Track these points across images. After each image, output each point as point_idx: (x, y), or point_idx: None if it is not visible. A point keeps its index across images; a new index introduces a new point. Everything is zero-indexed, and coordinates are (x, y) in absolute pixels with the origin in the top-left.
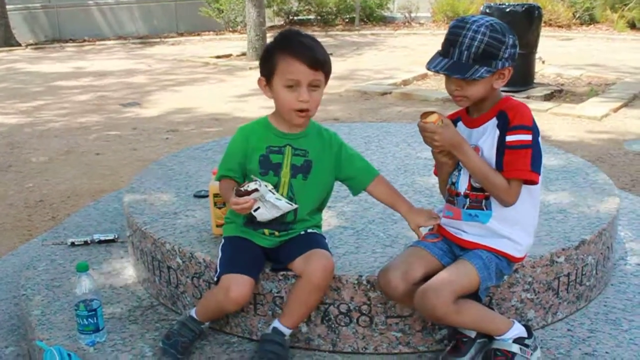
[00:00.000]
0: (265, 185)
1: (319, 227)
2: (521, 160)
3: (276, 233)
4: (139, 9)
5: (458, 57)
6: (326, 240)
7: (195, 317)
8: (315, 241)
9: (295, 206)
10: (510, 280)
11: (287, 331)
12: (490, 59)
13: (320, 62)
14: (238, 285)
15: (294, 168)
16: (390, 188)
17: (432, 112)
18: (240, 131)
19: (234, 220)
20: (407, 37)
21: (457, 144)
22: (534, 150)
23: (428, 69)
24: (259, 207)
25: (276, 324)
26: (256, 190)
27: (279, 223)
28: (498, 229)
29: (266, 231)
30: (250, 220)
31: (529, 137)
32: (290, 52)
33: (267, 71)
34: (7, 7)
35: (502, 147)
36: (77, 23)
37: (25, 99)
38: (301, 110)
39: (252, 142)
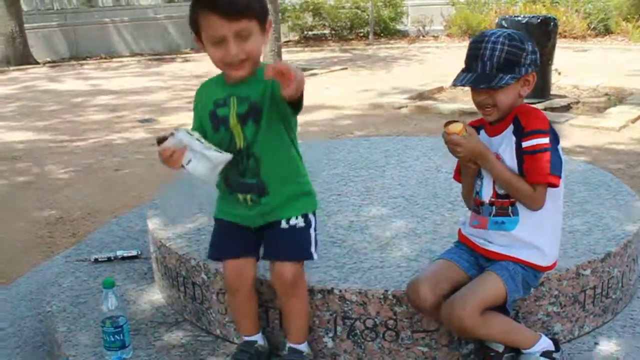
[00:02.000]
0: (190, 134)
1: (307, 195)
2: (540, 164)
3: (248, 198)
4: (155, 26)
5: (482, 69)
6: (312, 227)
7: (244, 338)
8: (288, 245)
9: (227, 155)
10: (536, 294)
11: (301, 347)
12: (513, 67)
13: (238, 10)
14: (232, 266)
15: (240, 117)
16: None
17: (456, 121)
18: (197, 91)
19: (219, 194)
20: (421, 51)
21: (480, 153)
22: (553, 153)
23: (454, 85)
24: (191, 160)
25: (289, 344)
26: (172, 135)
27: (246, 183)
28: (524, 235)
29: (239, 196)
30: (225, 182)
31: (545, 140)
32: (206, 4)
33: (195, 29)
34: (25, 25)
35: (520, 153)
36: (93, 41)
37: (43, 116)
38: (233, 64)
39: (202, 99)
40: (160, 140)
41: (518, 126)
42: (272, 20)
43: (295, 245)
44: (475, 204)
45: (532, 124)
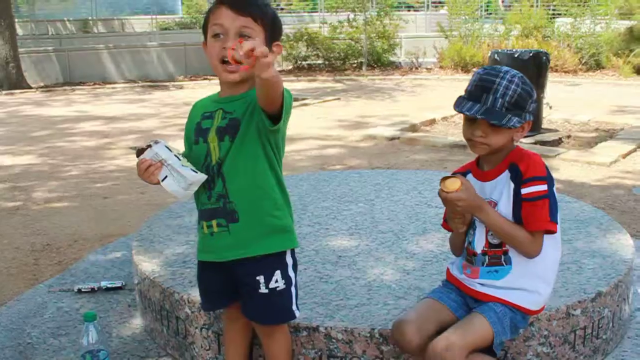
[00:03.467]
0: (169, 148)
1: (283, 232)
2: (540, 212)
3: (214, 225)
4: (148, 53)
5: (492, 103)
6: (292, 281)
7: None
8: (269, 311)
9: (202, 176)
10: (525, 334)
11: None
12: (520, 110)
13: (247, 5)
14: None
15: (219, 131)
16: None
17: (451, 177)
18: (192, 106)
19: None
20: (414, 82)
21: (478, 206)
22: (551, 199)
23: (459, 111)
24: (167, 177)
25: None
26: (149, 147)
27: (213, 208)
28: (516, 283)
29: (204, 224)
30: (200, 213)
31: (544, 187)
32: (218, 0)
33: (204, 31)
34: (19, 50)
35: (518, 200)
36: (87, 67)
37: (33, 141)
38: (226, 63)
39: (193, 113)
40: (139, 152)
41: (516, 172)
42: (281, 46)
43: (277, 312)
44: (468, 254)
45: (531, 170)
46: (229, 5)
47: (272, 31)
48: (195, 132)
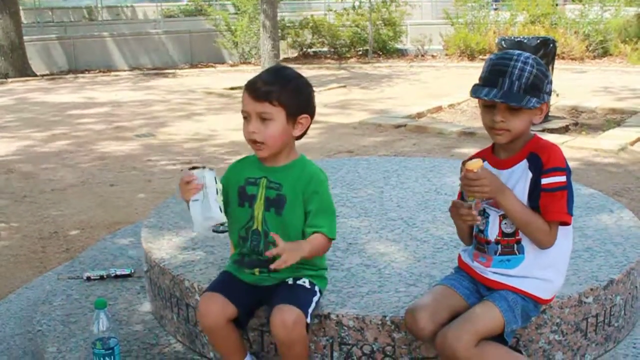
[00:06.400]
0: (216, 181)
1: (316, 270)
2: (558, 203)
3: (256, 272)
4: (153, 40)
5: (509, 87)
6: (316, 297)
7: None
8: (291, 295)
9: (224, 219)
10: (537, 321)
11: None
12: (537, 91)
13: (263, 93)
14: (205, 301)
15: (267, 201)
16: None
17: (472, 159)
18: (230, 166)
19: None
20: (420, 70)
21: (500, 190)
22: (569, 191)
23: (477, 97)
24: (197, 200)
25: None
26: (203, 168)
27: (257, 259)
28: (529, 272)
29: (246, 271)
30: (240, 258)
31: (563, 179)
32: (246, 84)
33: None
34: (24, 38)
35: (536, 189)
36: (92, 54)
37: (39, 129)
38: (254, 142)
39: (235, 174)
40: (193, 168)
41: (537, 162)
42: (309, 118)
43: (298, 297)
44: (479, 243)
45: (552, 161)
46: (248, 92)
47: (296, 106)
48: (240, 195)
